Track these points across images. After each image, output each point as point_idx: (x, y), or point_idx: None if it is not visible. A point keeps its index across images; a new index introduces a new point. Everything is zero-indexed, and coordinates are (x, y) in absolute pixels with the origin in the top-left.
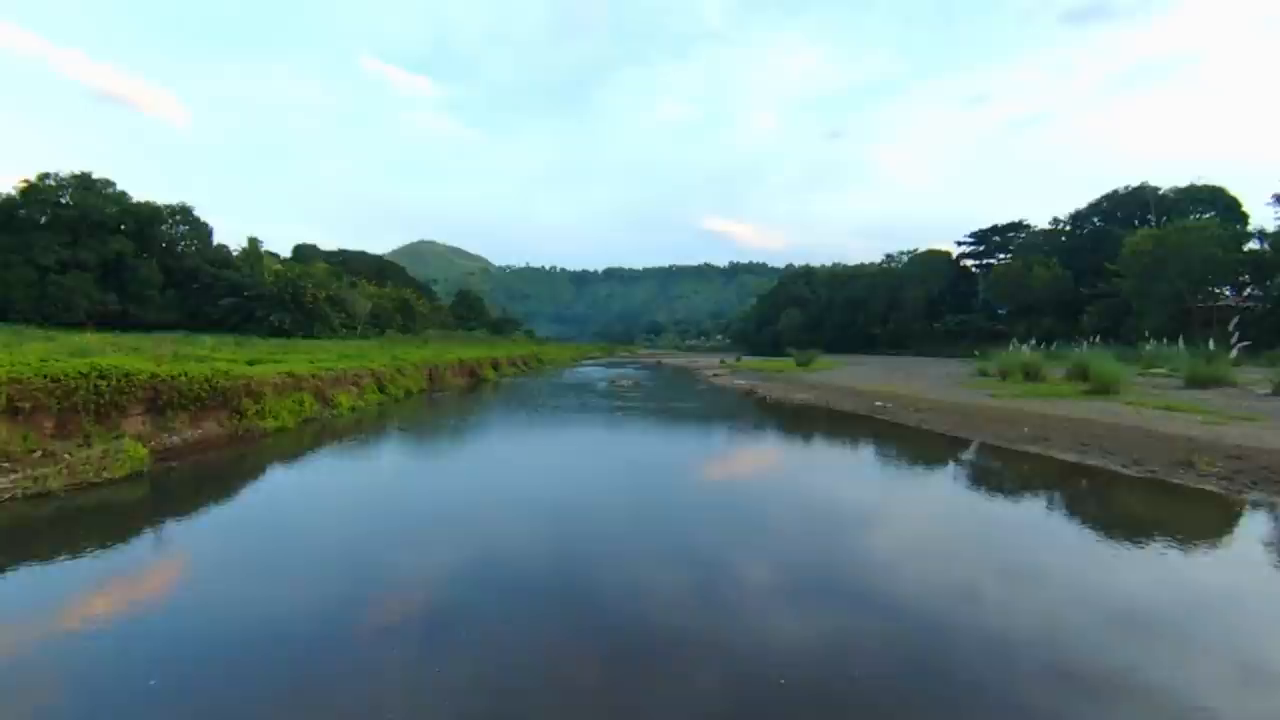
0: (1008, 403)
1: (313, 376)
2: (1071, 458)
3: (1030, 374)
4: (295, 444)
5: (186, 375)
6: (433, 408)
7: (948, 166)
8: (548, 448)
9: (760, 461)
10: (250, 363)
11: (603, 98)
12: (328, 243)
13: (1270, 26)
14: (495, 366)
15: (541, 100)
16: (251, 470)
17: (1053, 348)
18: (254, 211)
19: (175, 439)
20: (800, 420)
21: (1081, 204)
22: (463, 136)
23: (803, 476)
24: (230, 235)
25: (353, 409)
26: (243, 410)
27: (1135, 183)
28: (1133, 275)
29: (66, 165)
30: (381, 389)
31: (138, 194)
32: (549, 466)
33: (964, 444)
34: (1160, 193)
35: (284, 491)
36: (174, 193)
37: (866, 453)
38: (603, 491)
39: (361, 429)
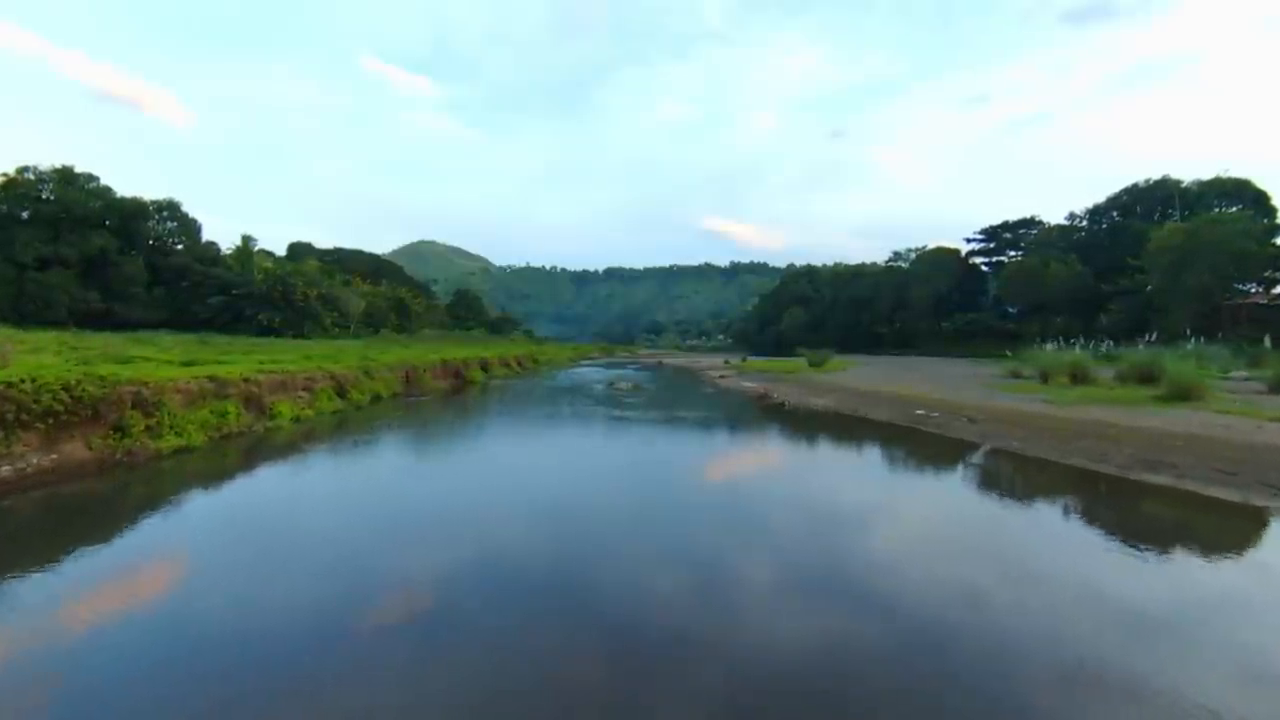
0: (1072, 411)
1: (245, 381)
2: (1225, 494)
3: (1078, 376)
4: (199, 470)
5: (32, 380)
6: (397, 418)
7: (948, 166)
8: (520, 479)
9: (817, 495)
10: (187, 363)
11: (603, 98)
12: (328, 243)
13: (1270, 26)
14: (484, 368)
15: (541, 100)
16: (110, 516)
17: (1103, 347)
18: (254, 212)
19: (6, 468)
20: (835, 432)
21: (1100, 199)
22: (463, 136)
23: (884, 526)
24: (230, 235)
25: (297, 420)
26: (127, 426)
27: (1156, 176)
28: (1159, 270)
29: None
30: (342, 394)
31: (139, 194)
32: (513, 516)
33: (1056, 469)
34: (1183, 186)
35: (133, 559)
36: (174, 193)
37: (944, 486)
38: (584, 573)
39: (303, 445)
